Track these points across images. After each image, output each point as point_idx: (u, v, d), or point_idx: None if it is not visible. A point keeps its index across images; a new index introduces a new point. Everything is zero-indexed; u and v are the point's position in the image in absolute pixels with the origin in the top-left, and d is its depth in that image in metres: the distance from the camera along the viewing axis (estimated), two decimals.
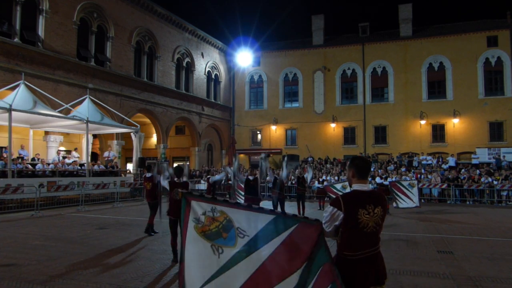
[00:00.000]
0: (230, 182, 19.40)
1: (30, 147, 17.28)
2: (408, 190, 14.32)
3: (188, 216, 2.63)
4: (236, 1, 61.88)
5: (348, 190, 10.63)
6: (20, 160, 15.20)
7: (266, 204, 12.42)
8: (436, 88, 28.19)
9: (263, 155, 9.82)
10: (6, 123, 13.97)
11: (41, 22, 17.48)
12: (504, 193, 17.77)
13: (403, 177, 18.36)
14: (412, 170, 21.72)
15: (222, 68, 32.11)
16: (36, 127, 16.97)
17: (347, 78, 30.13)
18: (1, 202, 12.91)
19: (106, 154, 19.92)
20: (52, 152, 17.89)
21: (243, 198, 10.11)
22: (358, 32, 31.39)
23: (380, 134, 29.12)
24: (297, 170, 13.45)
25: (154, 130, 25.82)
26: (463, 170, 20.81)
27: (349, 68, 29.97)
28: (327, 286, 2.43)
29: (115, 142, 21.29)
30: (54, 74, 17.84)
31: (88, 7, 19.78)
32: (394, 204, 14.17)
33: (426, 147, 27.20)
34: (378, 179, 17.70)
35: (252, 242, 2.56)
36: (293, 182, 18.02)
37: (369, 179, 3.93)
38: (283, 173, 11.08)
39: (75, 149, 19.27)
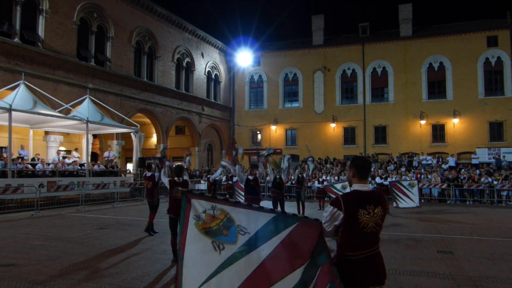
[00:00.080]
0: (230, 182, 19.45)
1: (30, 147, 17.28)
2: (408, 190, 14.33)
3: (188, 214, 2.64)
4: (236, 1, 61.90)
5: (348, 190, 10.62)
6: (20, 160, 15.20)
7: (266, 204, 12.42)
8: (436, 88, 28.19)
9: (264, 153, 9.71)
10: (6, 123, 13.97)
11: (41, 22, 17.48)
12: (504, 193, 17.77)
13: (403, 177, 18.36)
14: (412, 170, 21.72)
15: (222, 68, 32.12)
16: (36, 127, 16.97)
17: (347, 78, 30.14)
18: (1, 202, 12.91)
19: (106, 154, 19.92)
20: (52, 152, 17.89)
21: (243, 198, 10.11)
22: (358, 32, 31.39)
23: (380, 134, 29.12)
24: (297, 170, 13.44)
25: (154, 130, 25.82)
26: (463, 170, 20.81)
27: (349, 68, 29.98)
28: (326, 286, 2.43)
29: (115, 142, 21.29)
30: (54, 74, 17.84)
31: (88, 7, 19.79)
32: (394, 204, 14.18)
33: (426, 147, 27.20)
34: (378, 179, 17.69)
35: (253, 240, 2.57)
36: (293, 182, 18.02)
37: (369, 179, 3.92)
38: (283, 167, 10.99)
39: (76, 149, 19.28)
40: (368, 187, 2.66)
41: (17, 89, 14.64)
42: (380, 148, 28.45)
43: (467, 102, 26.83)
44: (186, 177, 7.12)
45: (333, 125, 29.75)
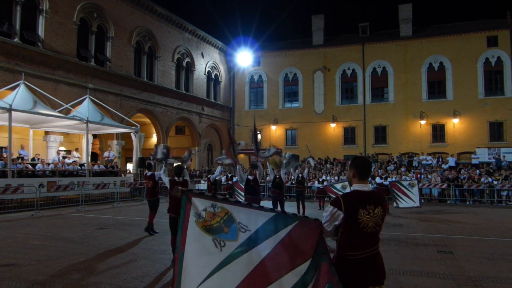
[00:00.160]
0: (230, 182, 19.44)
1: (30, 147, 17.28)
2: (409, 190, 14.33)
3: (188, 212, 2.64)
4: (236, 1, 61.91)
5: (348, 190, 10.63)
6: (20, 160, 15.21)
7: (266, 204, 12.41)
8: (436, 88, 28.19)
9: (266, 153, 9.69)
10: (6, 123, 13.97)
11: (41, 22, 17.48)
12: (504, 193, 17.77)
13: (403, 177, 18.37)
14: (412, 170, 21.72)
15: (222, 68, 32.12)
16: (36, 127, 16.97)
17: (347, 78, 30.14)
18: (1, 202, 12.91)
19: (106, 154, 19.92)
20: (52, 152, 17.89)
21: (243, 198, 10.10)
22: (358, 32, 31.39)
23: (380, 134, 29.12)
24: (297, 170, 13.43)
25: (154, 130, 25.81)
26: (463, 170, 20.80)
27: (349, 68, 29.98)
28: (324, 286, 2.44)
29: (115, 142, 21.29)
30: (54, 74, 17.84)
31: (88, 7, 19.78)
32: (395, 204, 14.18)
33: (426, 147, 27.20)
34: (378, 179, 17.68)
35: (253, 238, 2.58)
36: (293, 182, 18.02)
37: (369, 179, 3.93)
38: (284, 160, 10.95)
39: (76, 149, 19.28)
40: (368, 187, 2.67)
41: (17, 89, 14.64)
42: (380, 148, 28.45)
43: (467, 102, 26.83)
44: (186, 177, 7.14)
45: (333, 125, 29.75)
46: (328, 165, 25.26)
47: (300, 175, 13.40)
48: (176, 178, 6.98)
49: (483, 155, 24.28)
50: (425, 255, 7.14)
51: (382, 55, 29.02)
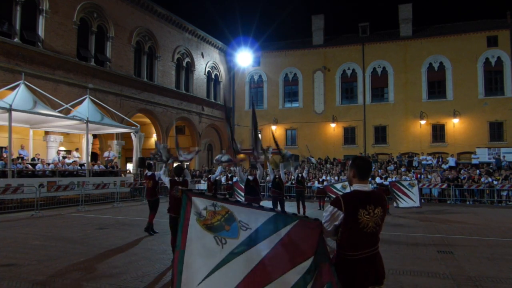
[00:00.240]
0: (230, 182, 19.44)
1: (30, 147, 17.28)
2: (409, 190, 14.33)
3: (189, 212, 2.65)
4: (236, 1, 61.90)
5: (348, 190, 10.63)
6: (20, 160, 15.20)
7: (266, 204, 12.41)
8: (436, 88, 28.20)
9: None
10: (6, 123, 13.96)
11: (41, 22, 17.48)
12: (504, 193, 17.77)
13: (403, 177, 18.36)
14: (412, 170, 21.71)
15: (222, 68, 32.11)
16: (36, 127, 16.97)
17: (347, 78, 30.14)
18: (1, 202, 12.91)
19: (106, 154, 19.91)
20: (52, 152, 17.89)
21: (243, 198, 10.10)
22: (358, 32, 31.39)
23: (380, 134, 29.12)
24: (297, 170, 13.44)
25: (154, 130, 25.82)
26: (463, 170, 20.80)
27: (349, 68, 29.98)
28: (324, 286, 2.44)
29: (115, 142, 21.29)
30: (54, 74, 17.84)
31: (88, 7, 19.78)
32: (395, 204, 14.18)
33: (426, 147, 27.20)
34: (378, 179, 17.67)
35: (253, 236, 2.58)
36: (293, 182, 18.01)
37: (369, 179, 3.93)
38: (281, 171, 10.94)
39: (76, 149, 19.28)
40: (368, 187, 2.67)
41: (17, 89, 14.64)
42: (380, 148, 28.45)
43: (467, 102, 26.83)
44: (187, 177, 7.14)
45: (333, 125, 29.75)
46: (328, 165, 25.26)
47: (300, 175, 13.41)
48: (176, 178, 6.99)
49: (483, 155, 24.28)
50: (425, 255, 7.14)
51: (382, 55, 29.02)
